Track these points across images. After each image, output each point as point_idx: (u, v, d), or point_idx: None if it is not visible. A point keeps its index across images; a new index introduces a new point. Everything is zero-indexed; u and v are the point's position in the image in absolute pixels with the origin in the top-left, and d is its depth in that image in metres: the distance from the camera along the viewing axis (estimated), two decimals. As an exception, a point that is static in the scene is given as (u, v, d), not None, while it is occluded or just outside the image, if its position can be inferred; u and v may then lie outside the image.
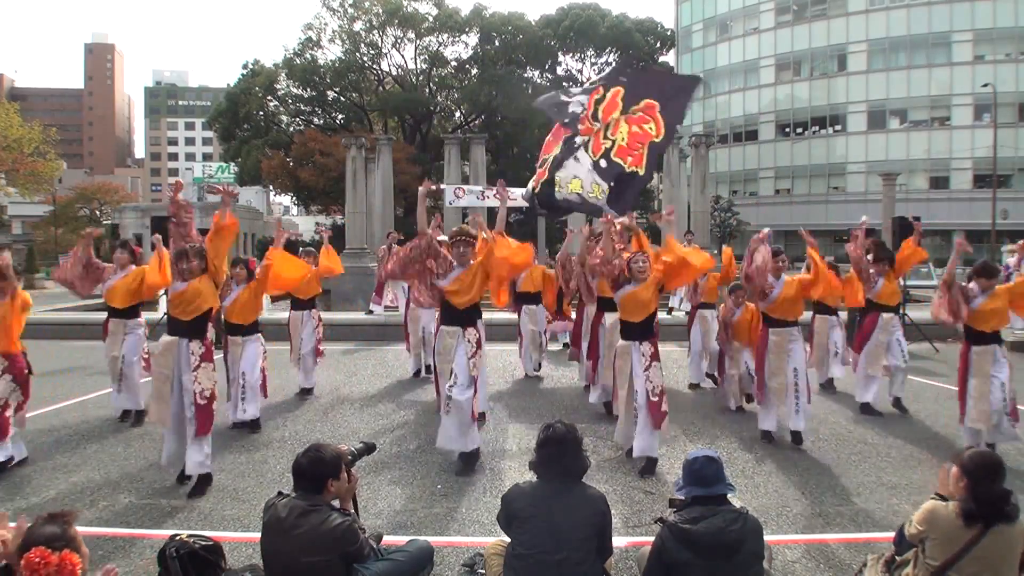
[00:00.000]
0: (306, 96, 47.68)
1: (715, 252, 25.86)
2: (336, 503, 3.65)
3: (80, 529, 4.69)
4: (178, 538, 3.61)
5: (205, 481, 5.58)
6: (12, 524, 3.31)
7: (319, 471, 3.57)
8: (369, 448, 4.22)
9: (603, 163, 7.98)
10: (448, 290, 6.27)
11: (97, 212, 58.69)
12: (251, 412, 7.30)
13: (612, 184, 7.94)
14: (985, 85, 43.18)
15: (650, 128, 8.01)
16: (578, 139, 7.96)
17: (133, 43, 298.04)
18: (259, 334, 7.62)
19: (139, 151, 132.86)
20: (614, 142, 7.99)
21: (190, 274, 5.57)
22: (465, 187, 21.86)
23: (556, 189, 7.89)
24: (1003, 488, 3.24)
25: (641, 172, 8.04)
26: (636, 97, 8.03)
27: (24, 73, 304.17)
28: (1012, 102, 48.55)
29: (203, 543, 3.62)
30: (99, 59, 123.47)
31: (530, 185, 8.28)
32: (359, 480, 3.99)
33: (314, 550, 3.37)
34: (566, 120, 8.03)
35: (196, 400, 5.48)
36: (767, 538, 3.55)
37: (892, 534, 3.93)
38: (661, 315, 13.96)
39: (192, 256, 5.56)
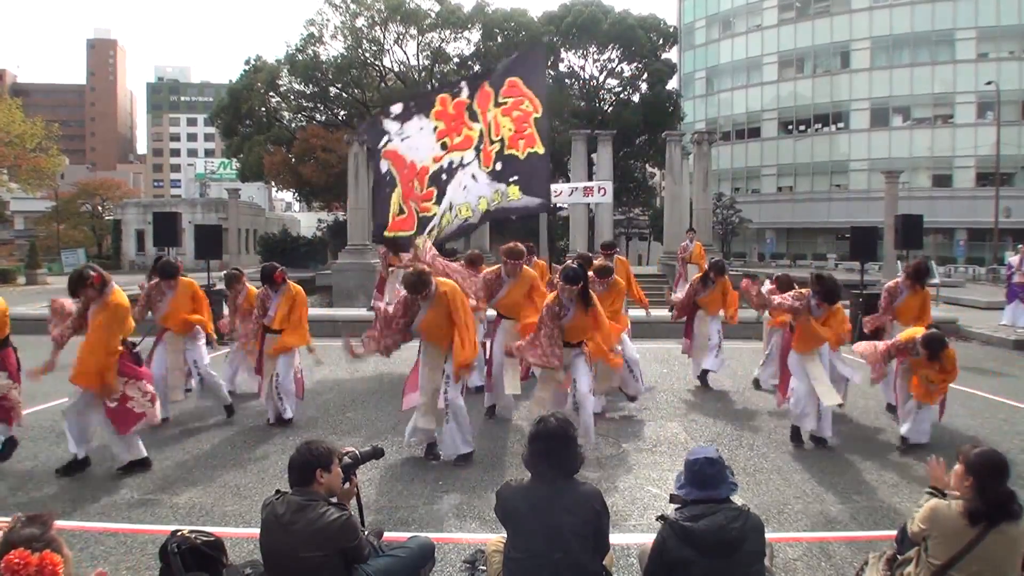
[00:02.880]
0: (308, 92, 47.54)
1: (712, 246, 25.89)
2: (333, 500, 3.65)
3: (81, 524, 4.74)
4: (180, 533, 3.61)
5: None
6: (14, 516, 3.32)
7: (307, 461, 3.56)
8: (376, 452, 4.15)
9: (499, 166, 8.24)
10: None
11: (99, 208, 58.69)
12: (288, 412, 7.52)
13: (516, 177, 8.22)
14: (989, 83, 43.08)
15: (527, 107, 8.29)
16: (453, 159, 8.09)
17: (135, 39, 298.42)
18: None
19: (141, 147, 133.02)
20: (503, 140, 8.23)
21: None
22: (467, 184, 21.79)
23: (446, 219, 8.08)
24: (1008, 487, 3.24)
25: (540, 151, 8.37)
26: (500, 80, 8.30)
27: (26, 69, 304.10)
28: (1015, 100, 48.35)
29: (204, 538, 3.62)
30: (101, 55, 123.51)
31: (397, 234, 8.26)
32: (357, 477, 3.98)
33: (312, 545, 3.36)
34: (387, 141, 8.13)
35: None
36: (768, 536, 3.54)
37: (894, 532, 3.93)
38: (663, 313, 13.94)
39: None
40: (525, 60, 8.91)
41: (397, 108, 8.28)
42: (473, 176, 8.19)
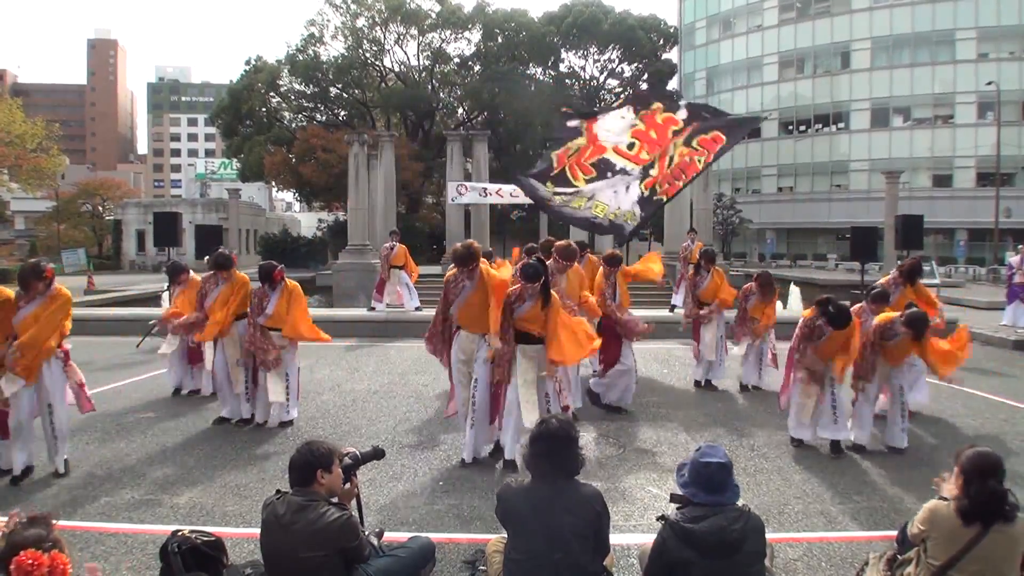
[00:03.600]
0: (308, 92, 47.66)
1: (712, 247, 25.86)
2: (334, 500, 3.65)
3: (82, 524, 4.75)
4: (180, 533, 3.61)
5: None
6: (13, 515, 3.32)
7: (308, 461, 3.57)
8: (377, 453, 4.14)
9: (648, 194, 8.13)
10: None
11: (100, 208, 58.72)
12: (292, 413, 7.51)
13: (643, 213, 8.12)
14: (989, 83, 43.05)
15: (699, 161, 8.06)
16: (625, 166, 7.98)
17: (136, 39, 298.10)
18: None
19: (142, 147, 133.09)
20: (659, 185, 8.10)
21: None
22: (468, 184, 21.85)
23: (576, 203, 7.94)
24: (998, 487, 3.21)
25: (665, 199, 8.30)
26: (707, 128, 8.07)
27: (27, 69, 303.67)
28: (1016, 100, 48.27)
29: (205, 538, 3.62)
30: (102, 55, 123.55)
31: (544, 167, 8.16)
32: (358, 478, 3.98)
33: (312, 545, 3.37)
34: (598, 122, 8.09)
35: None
36: (768, 536, 3.54)
37: (894, 533, 3.93)
38: (662, 313, 13.96)
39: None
40: (738, 129, 8.81)
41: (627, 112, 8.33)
42: (628, 187, 8.07)
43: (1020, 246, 16.12)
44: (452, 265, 6.31)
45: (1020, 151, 47.61)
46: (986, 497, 3.18)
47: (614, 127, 8.02)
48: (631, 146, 8.02)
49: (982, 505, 3.17)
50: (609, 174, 7.98)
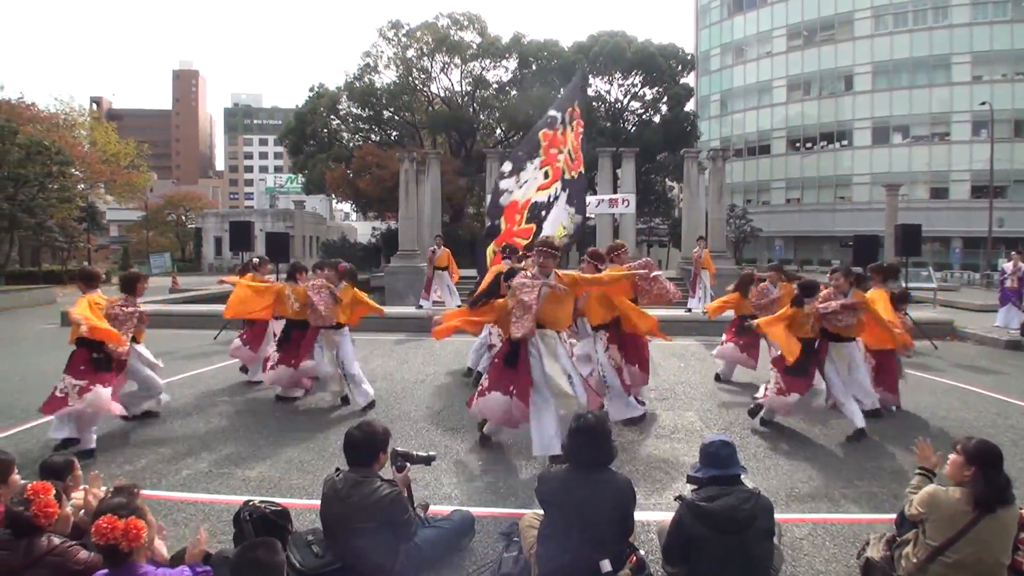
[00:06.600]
0: (364, 115, 48.06)
1: (725, 253, 25.50)
2: (388, 478, 3.68)
3: (165, 494, 4.84)
4: (251, 503, 3.68)
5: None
6: (104, 488, 3.43)
7: (371, 442, 3.63)
8: (427, 459, 4.06)
9: (564, 187, 8.30)
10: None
11: (183, 217, 60.07)
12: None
13: (568, 193, 8.25)
14: (983, 103, 41.80)
15: (580, 129, 8.33)
16: (551, 193, 8.18)
17: (214, 69, 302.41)
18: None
19: (219, 164, 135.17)
20: (570, 160, 8.31)
21: None
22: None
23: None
24: (1006, 475, 3.21)
25: (582, 170, 8.41)
26: (568, 104, 8.42)
27: (120, 96, 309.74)
28: (1008, 119, 46.98)
29: (273, 508, 3.68)
30: (185, 84, 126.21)
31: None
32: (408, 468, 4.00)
33: (365, 517, 3.42)
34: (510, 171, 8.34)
35: None
36: (777, 516, 3.47)
37: (894, 516, 3.84)
38: (679, 312, 13.75)
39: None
40: (576, 87, 8.91)
41: (507, 167, 8.19)
42: (557, 198, 8.24)
43: (1012, 253, 15.63)
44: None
45: (1012, 166, 46.28)
46: (1002, 485, 3.17)
47: (532, 175, 8.15)
48: (546, 174, 8.12)
49: (998, 493, 3.14)
50: (544, 212, 8.08)
